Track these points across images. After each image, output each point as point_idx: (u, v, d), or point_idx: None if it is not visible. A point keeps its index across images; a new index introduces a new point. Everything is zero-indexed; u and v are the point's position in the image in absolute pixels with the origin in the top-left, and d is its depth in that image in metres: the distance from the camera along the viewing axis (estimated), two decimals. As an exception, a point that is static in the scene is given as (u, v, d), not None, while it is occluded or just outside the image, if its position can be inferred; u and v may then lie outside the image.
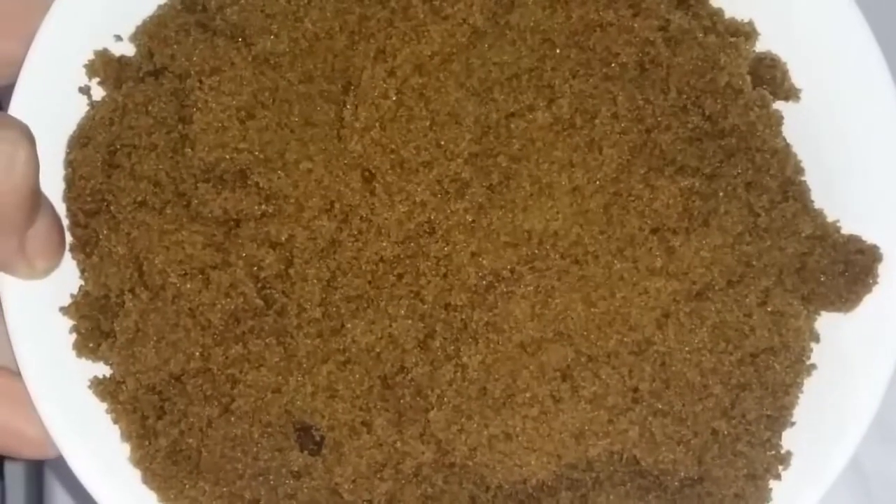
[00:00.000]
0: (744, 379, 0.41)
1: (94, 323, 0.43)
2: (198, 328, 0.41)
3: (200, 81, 0.42)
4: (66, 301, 0.43)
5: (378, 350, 0.41)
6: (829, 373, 0.43)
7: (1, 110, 0.44)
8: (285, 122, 0.42)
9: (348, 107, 0.41)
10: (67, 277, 0.43)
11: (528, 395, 0.40)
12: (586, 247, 0.41)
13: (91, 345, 0.43)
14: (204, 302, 0.41)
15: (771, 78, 0.45)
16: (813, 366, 0.43)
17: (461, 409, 0.40)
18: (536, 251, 0.41)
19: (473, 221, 0.41)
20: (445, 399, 0.40)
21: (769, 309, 0.41)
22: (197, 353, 0.41)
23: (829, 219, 0.43)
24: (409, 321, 0.40)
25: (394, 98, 0.41)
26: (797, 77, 0.45)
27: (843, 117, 0.45)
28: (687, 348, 0.41)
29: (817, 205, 0.44)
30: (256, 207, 0.41)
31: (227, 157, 0.41)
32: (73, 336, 0.43)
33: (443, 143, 0.41)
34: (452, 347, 0.40)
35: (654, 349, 0.41)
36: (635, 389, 0.41)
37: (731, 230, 0.41)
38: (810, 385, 0.43)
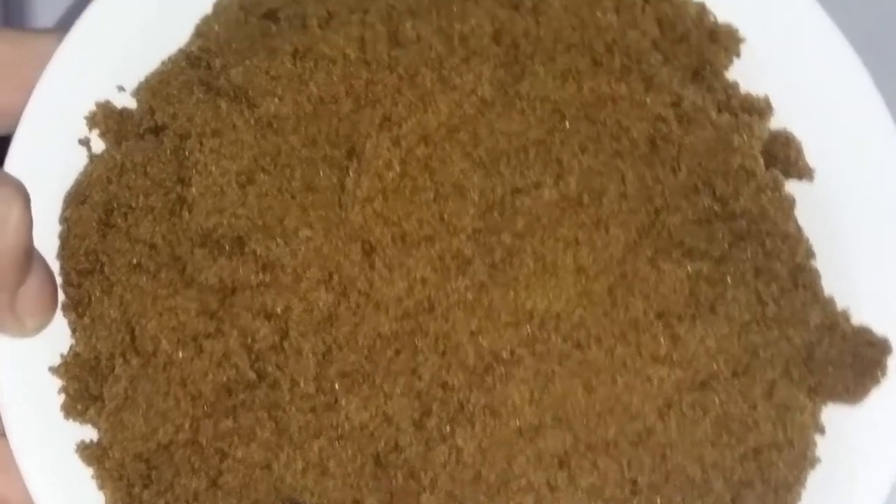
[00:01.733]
0: (746, 476, 0.40)
1: (83, 385, 0.42)
2: (188, 398, 0.40)
3: (201, 143, 0.41)
4: (56, 360, 0.42)
5: (372, 428, 0.40)
6: (833, 466, 0.42)
7: (-1, 160, 0.43)
8: (286, 187, 0.41)
9: (351, 175, 0.41)
10: (58, 336, 0.42)
11: (523, 481, 0.39)
12: (589, 330, 0.40)
13: (79, 407, 0.42)
14: (196, 371, 0.40)
15: (784, 157, 0.44)
16: (817, 459, 0.42)
17: (454, 494, 0.39)
18: (538, 333, 0.40)
19: (474, 299, 0.40)
20: (439, 483, 0.39)
21: (774, 402, 0.40)
22: (186, 424, 0.40)
23: (839, 306, 0.42)
24: (405, 399, 0.39)
25: (398, 169, 0.40)
26: (811, 154, 0.44)
27: (857, 200, 0.44)
28: (689, 440, 0.40)
29: (826, 290, 0.43)
30: (253, 276, 0.40)
31: (225, 222, 0.40)
32: (62, 397, 0.42)
33: (446, 217, 0.40)
34: (448, 428, 0.39)
35: (654, 440, 0.40)
36: (634, 482, 0.40)
37: (738, 319, 0.40)
38: (814, 478, 0.41)
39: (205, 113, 0.41)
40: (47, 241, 0.42)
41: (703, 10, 0.45)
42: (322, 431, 0.40)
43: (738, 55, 0.45)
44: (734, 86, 0.45)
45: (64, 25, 0.44)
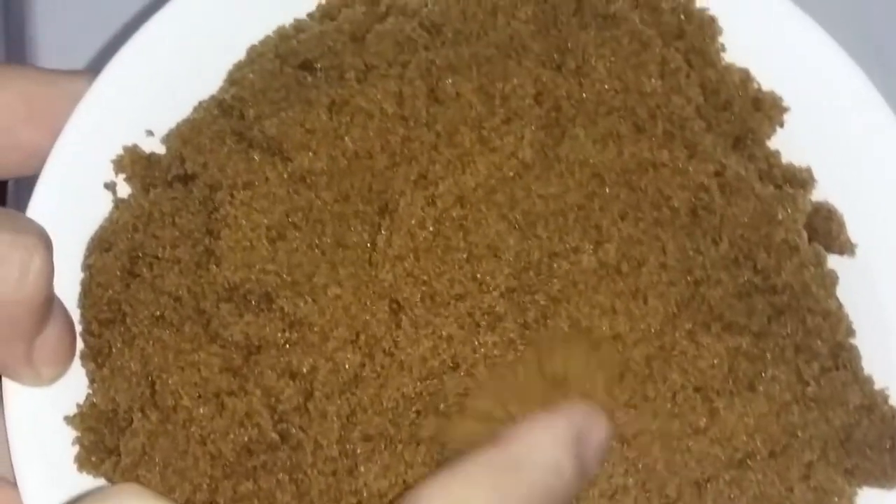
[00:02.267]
0: None
1: (99, 436, 0.41)
2: (207, 457, 0.39)
3: (232, 195, 0.40)
4: (72, 410, 0.41)
5: (391, 496, 0.38)
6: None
7: (24, 201, 0.42)
8: (317, 243, 0.40)
9: (383, 232, 0.39)
10: (75, 385, 0.41)
11: None
12: (624, 398, 0.39)
13: (94, 459, 0.41)
14: (216, 430, 0.39)
15: (826, 231, 0.43)
16: (852, 544, 0.40)
17: None
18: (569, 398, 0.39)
19: (501, 356, 0.39)
20: None
21: (812, 484, 0.39)
22: (204, 485, 0.39)
23: (878, 386, 0.41)
24: (426, 468, 0.38)
25: (431, 228, 0.39)
26: (852, 228, 0.43)
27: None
28: None
29: (866, 369, 0.41)
30: (279, 334, 0.39)
31: (253, 277, 0.39)
32: (76, 449, 0.41)
33: (479, 275, 0.39)
34: None
35: None
36: None
37: (778, 398, 0.39)
38: (850, 564, 0.40)
39: (237, 164, 0.40)
40: (68, 287, 0.41)
41: (747, 77, 0.44)
42: (342, 497, 0.38)
43: (781, 124, 0.44)
44: (776, 155, 0.44)
45: (95, 67, 0.44)
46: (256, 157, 0.40)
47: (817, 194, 0.44)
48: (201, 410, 0.39)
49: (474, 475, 0.34)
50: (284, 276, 0.39)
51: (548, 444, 0.35)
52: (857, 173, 0.44)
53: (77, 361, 0.41)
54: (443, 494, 0.33)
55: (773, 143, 0.44)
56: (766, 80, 0.44)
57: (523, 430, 0.36)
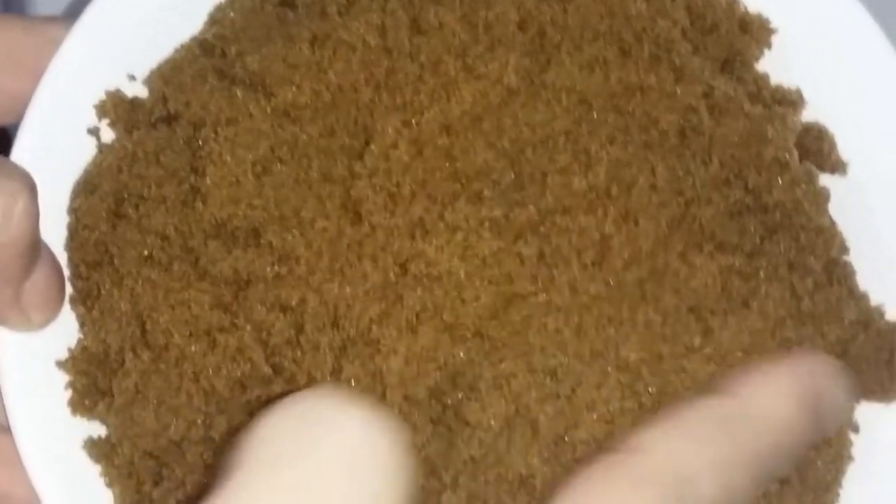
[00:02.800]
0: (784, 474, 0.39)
1: (91, 380, 0.40)
2: (201, 394, 0.38)
3: (216, 132, 0.40)
4: (64, 355, 0.41)
5: None
6: (867, 465, 0.40)
7: (6, 148, 0.42)
8: (303, 177, 0.39)
9: (364, 159, 0.39)
10: (66, 330, 0.41)
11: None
12: (619, 321, 0.38)
13: (87, 403, 0.40)
14: (209, 366, 0.38)
15: (817, 150, 0.42)
16: (850, 458, 0.40)
17: (476, 493, 0.38)
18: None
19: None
20: (460, 481, 0.38)
21: (809, 400, 0.39)
22: (199, 421, 0.38)
23: (874, 302, 0.41)
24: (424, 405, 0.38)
25: (409, 149, 0.39)
26: (843, 148, 0.43)
27: (891, 195, 0.42)
28: None
29: (860, 286, 0.41)
30: (269, 268, 0.39)
31: (240, 213, 0.39)
32: (69, 393, 0.40)
33: (467, 194, 0.39)
34: (467, 407, 0.37)
35: None
36: None
37: (772, 314, 0.39)
38: (848, 478, 0.40)
39: (220, 101, 0.40)
40: (55, 232, 0.41)
41: (733, 0, 0.43)
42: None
43: (769, 46, 0.43)
44: (764, 77, 0.43)
45: (74, 13, 0.43)
46: (239, 94, 0.40)
47: (807, 115, 0.43)
48: (193, 348, 0.39)
49: (698, 428, 0.31)
50: (271, 210, 0.39)
51: (781, 397, 0.32)
52: (848, 93, 0.43)
53: (66, 306, 0.41)
54: (664, 448, 0.30)
55: (762, 65, 0.44)
56: (753, 1, 0.44)
57: (753, 380, 0.33)
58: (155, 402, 0.39)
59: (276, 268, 0.39)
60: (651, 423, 0.31)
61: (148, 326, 0.39)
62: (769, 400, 0.32)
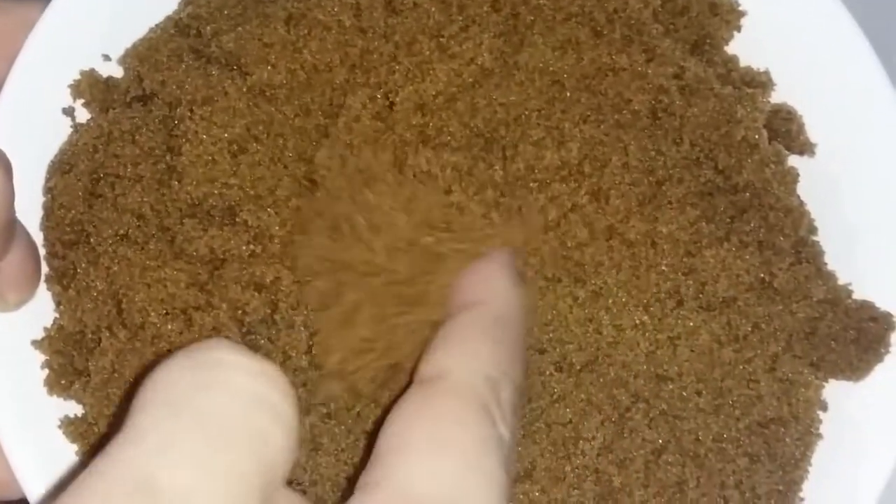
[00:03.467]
0: (752, 449, 0.39)
1: (67, 359, 0.40)
2: None
3: (191, 111, 0.40)
4: (39, 334, 0.41)
5: (359, 409, 0.39)
6: (836, 443, 0.41)
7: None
8: (278, 157, 0.40)
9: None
10: (42, 309, 0.41)
11: None
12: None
13: (63, 382, 0.40)
14: (185, 345, 0.38)
15: (786, 131, 0.43)
16: (819, 436, 0.41)
17: None
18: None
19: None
20: None
21: (778, 376, 0.40)
22: None
23: (842, 282, 0.42)
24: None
25: (368, 122, 0.39)
26: (812, 129, 0.44)
27: (858, 176, 0.43)
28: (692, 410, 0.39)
29: (829, 266, 0.42)
30: (244, 247, 0.39)
31: (216, 192, 0.39)
32: (45, 372, 0.41)
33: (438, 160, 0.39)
34: None
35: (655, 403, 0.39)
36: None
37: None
38: (818, 456, 0.41)
39: (195, 80, 0.40)
40: (30, 212, 0.41)
41: (703, -17, 0.44)
42: (311, 408, 0.39)
43: (738, 29, 0.44)
44: (734, 59, 0.44)
45: (48, -6, 0.43)
46: (215, 73, 0.40)
47: (776, 97, 0.44)
48: (169, 326, 0.39)
49: (472, 341, 0.34)
50: (247, 189, 0.39)
51: (506, 287, 0.36)
52: (816, 76, 0.44)
53: (42, 286, 0.41)
54: (460, 366, 0.33)
55: (732, 48, 0.44)
56: (723, -14, 0.44)
57: (482, 286, 0.36)
58: (131, 380, 0.39)
59: (251, 246, 0.39)
60: (436, 348, 0.34)
61: (124, 305, 0.39)
62: (500, 295, 0.36)
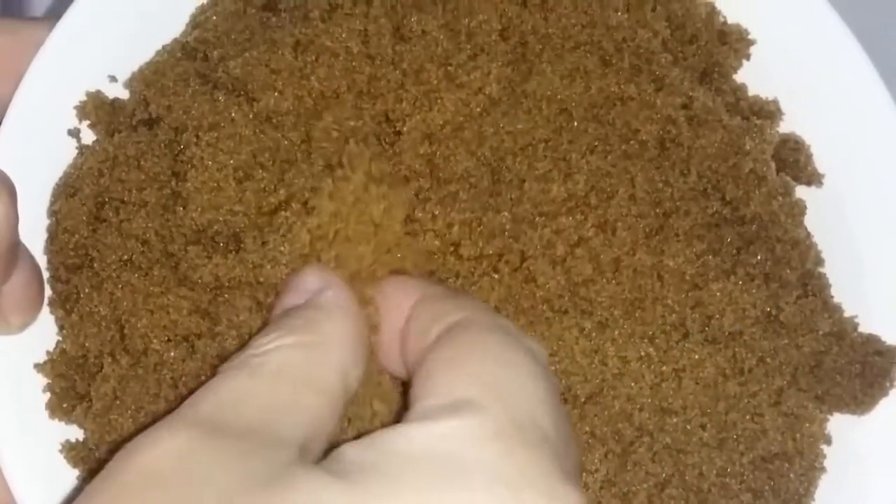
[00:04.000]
0: (756, 484, 0.39)
1: (69, 383, 0.40)
2: (179, 400, 0.38)
3: (197, 136, 0.39)
4: (42, 358, 0.41)
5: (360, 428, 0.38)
6: (841, 477, 0.41)
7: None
8: (284, 184, 0.39)
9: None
10: (44, 333, 0.41)
11: None
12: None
13: (65, 406, 0.40)
14: (187, 372, 0.38)
15: (794, 161, 0.43)
16: (823, 469, 0.41)
17: None
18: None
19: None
20: None
21: (782, 410, 0.39)
22: None
23: (848, 314, 0.41)
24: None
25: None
26: (819, 159, 0.44)
27: (866, 207, 0.43)
28: (696, 444, 0.39)
29: (835, 299, 0.42)
30: (250, 275, 0.39)
31: (221, 219, 0.39)
32: (47, 395, 0.40)
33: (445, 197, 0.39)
34: None
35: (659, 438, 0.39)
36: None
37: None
38: (822, 490, 0.40)
39: (202, 106, 0.40)
40: (35, 235, 0.41)
41: (712, 11, 0.44)
42: None
43: (747, 57, 0.44)
44: (742, 88, 0.44)
45: (57, 14, 0.43)
46: (221, 99, 0.40)
47: (784, 126, 0.44)
48: (172, 353, 0.39)
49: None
50: (253, 217, 0.39)
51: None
52: (824, 105, 0.44)
53: (45, 309, 0.41)
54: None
55: (740, 76, 0.44)
56: (732, 13, 0.44)
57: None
58: (133, 407, 0.39)
59: (256, 273, 0.39)
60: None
61: (127, 331, 0.39)
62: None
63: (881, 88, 0.43)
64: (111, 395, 0.39)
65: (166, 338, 0.39)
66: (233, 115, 0.40)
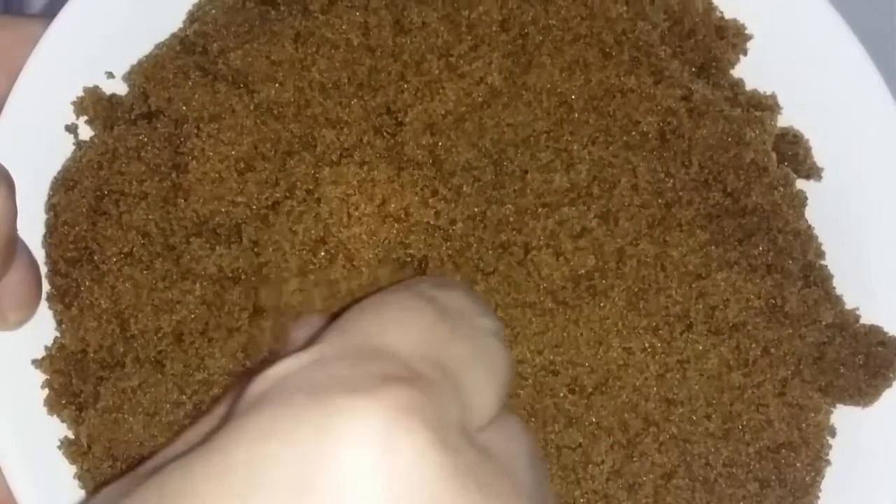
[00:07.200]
0: (763, 474, 0.39)
1: (68, 379, 0.40)
2: (181, 400, 0.38)
3: (198, 128, 0.39)
4: (40, 353, 0.40)
5: None
6: (846, 469, 0.41)
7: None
8: (286, 175, 0.39)
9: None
10: (42, 328, 0.40)
11: None
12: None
13: (64, 402, 0.40)
14: (189, 371, 0.38)
15: (793, 155, 0.43)
16: (829, 462, 0.40)
17: None
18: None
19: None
20: None
21: (787, 400, 0.39)
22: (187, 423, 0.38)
23: (849, 306, 0.41)
24: None
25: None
26: (818, 153, 0.44)
27: (865, 200, 0.43)
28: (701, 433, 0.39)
29: (837, 290, 0.42)
30: (251, 266, 0.38)
31: (223, 210, 0.39)
32: (46, 391, 0.40)
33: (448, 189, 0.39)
34: None
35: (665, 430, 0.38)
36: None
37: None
38: (828, 482, 0.40)
39: (202, 97, 0.40)
40: (32, 230, 0.40)
41: (709, 6, 0.44)
42: None
43: (744, 52, 0.44)
44: (740, 83, 0.44)
45: (53, 10, 0.43)
46: (222, 90, 0.40)
47: (782, 121, 0.44)
48: (175, 348, 0.38)
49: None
50: (254, 207, 0.39)
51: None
52: (822, 99, 0.44)
53: (43, 305, 0.40)
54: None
55: (738, 72, 0.44)
56: (731, 9, 0.44)
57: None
58: (134, 407, 0.38)
59: (259, 265, 0.38)
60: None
61: (129, 325, 0.39)
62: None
63: (879, 81, 0.43)
64: (111, 394, 0.39)
65: (170, 331, 0.38)
66: (234, 106, 0.39)
